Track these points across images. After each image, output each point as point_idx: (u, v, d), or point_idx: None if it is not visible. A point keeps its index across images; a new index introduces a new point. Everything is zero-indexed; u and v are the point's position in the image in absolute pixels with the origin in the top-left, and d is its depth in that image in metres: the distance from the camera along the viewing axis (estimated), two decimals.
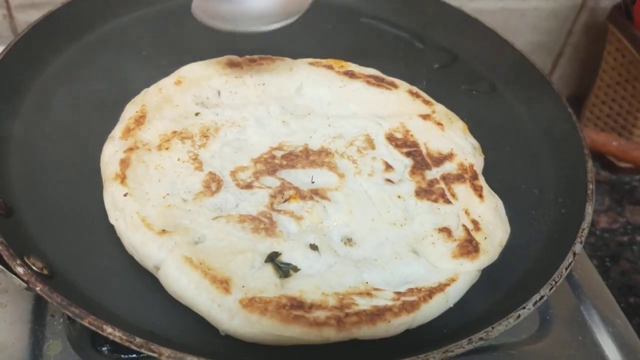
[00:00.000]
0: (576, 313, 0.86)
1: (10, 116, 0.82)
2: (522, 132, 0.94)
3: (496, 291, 0.74)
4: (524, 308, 0.66)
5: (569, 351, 0.81)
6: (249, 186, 0.80)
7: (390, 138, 0.90)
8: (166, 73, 0.92)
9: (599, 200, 1.42)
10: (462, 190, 0.83)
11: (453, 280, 0.72)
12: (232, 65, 0.95)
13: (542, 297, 0.68)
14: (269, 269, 0.70)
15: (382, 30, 1.09)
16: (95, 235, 0.73)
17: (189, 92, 0.90)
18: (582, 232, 0.74)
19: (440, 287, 0.71)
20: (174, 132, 0.84)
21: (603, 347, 0.82)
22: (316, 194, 0.80)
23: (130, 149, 0.80)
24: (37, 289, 0.61)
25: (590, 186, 0.80)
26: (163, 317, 0.66)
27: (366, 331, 0.66)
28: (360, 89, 0.96)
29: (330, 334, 0.65)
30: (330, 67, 0.98)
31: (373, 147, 0.88)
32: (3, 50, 0.85)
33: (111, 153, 0.80)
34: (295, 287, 0.69)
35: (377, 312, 0.67)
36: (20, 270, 0.62)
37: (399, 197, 0.82)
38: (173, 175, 0.79)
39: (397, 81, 0.98)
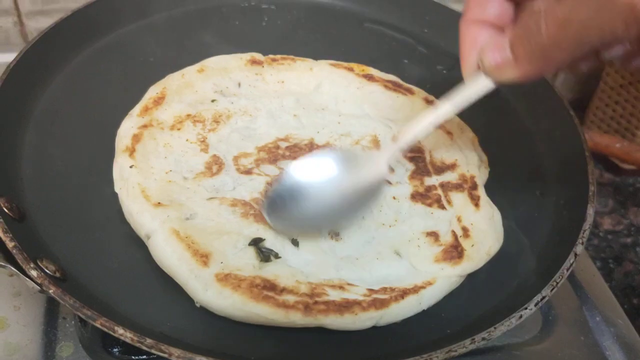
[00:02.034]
0: (578, 314, 0.87)
1: (22, 122, 0.83)
2: (523, 133, 0.95)
3: (498, 292, 0.74)
4: (526, 308, 0.67)
5: (571, 351, 0.82)
6: (248, 172, 0.83)
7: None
8: None
9: (602, 202, 1.43)
10: (459, 198, 0.83)
11: (430, 283, 0.73)
12: (254, 62, 0.99)
13: (543, 298, 0.69)
14: (251, 251, 0.73)
15: (385, 35, 1.10)
16: (106, 239, 0.74)
17: (210, 80, 0.95)
18: (583, 234, 0.75)
19: (415, 289, 0.72)
20: (188, 115, 0.88)
21: (605, 348, 0.83)
22: None
23: (145, 126, 0.84)
24: (51, 291, 0.63)
25: (592, 188, 0.80)
26: (173, 319, 0.67)
27: (332, 320, 0.67)
28: (377, 92, 0.98)
29: (296, 318, 0.67)
30: (350, 70, 1.00)
31: (378, 148, 0.89)
32: (15, 57, 0.86)
33: (127, 128, 0.85)
34: (271, 271, 0.71)
35: (346, 304, 0.68)
36: (34, 273, 0.64)
37: (394, 198, 0.83)
38: (179, 154, 0.83)
39: (414, 88, 0.99)
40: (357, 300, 0.69)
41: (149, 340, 0.60)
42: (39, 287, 0.64)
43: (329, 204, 0.77)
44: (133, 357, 0.74)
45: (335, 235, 0.77)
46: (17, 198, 0.74)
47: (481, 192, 0.85)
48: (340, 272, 0.73)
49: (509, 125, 0.96)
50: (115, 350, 0.75)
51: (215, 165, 0.83)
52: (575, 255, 0.73)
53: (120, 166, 0.80)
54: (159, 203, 0.75)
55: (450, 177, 0.86)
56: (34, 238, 0.71)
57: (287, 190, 0.77)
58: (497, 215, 0.82)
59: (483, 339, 0.65)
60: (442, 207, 0.82)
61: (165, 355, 0.60)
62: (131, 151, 0.81)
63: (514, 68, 0.65)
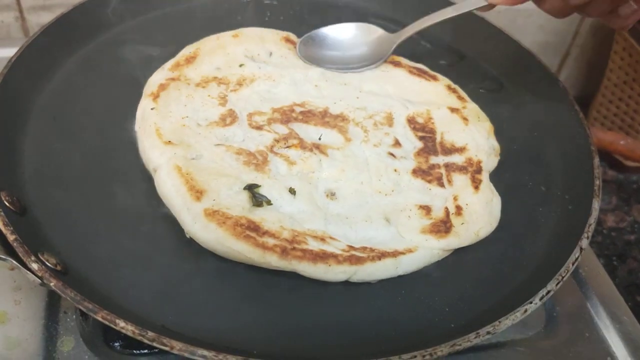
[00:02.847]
0: (583, 310, 0.87)
1: (23, 116, 0.83)
2: (529, 129, 0.95)
3: (503, 287, 0.74)
4: (531, 302, 0.67)
5: (575, 348, 0.82)
6: (259, 128, 0.87)
7: (411, 120, 0.92)
8: None
9: (606, 200, 1.42)
10: (460, 179, 0.85)
11: (410, 251, 0.75)
12: (287, 41, 1.03)
13: (548, 292, 0.68)
14: (244, 195, 0.76)
15: (389, 30, 1.10)
16: (107, 233, 0.74)
17: (243, 46, 1.00)
18: (588, 228, 0.75)
19: (394, 254, 0.74)
20: (215, 77, 0.93)
21: (609, 344, 0.83)
22: (317, 148, 0.85)
23: (173, 79, 0.90)
24: (52, 284, 0.62)
25: (597, 182, 0.80)
26: (174, 312, 0.67)
27: (305, 267, 0.70)
28: (401, 76, 1.00)
29: (272, 259, 0.70)
30: None
31: (391, 125, 0.91)
32: (16, 52, 0.86)
33: (156, 79, 0.90)
34: (259, 214, 0.75)
35: (322, 254, 0.71)
36: (34, 266, 0.63)
37: (396, 170, 0.84)
38: (198, 104, 0.88)
39: (439, 76, 1.01)
40: (335, 253, 0.72)
41: (150, 334, 0.60)
42: (39, 280, 0.64)
43: (343, 54, 0.99)
44: (134, 351, 0.74)
45: (331, 195, 0.80)
46: (18, 192, 0.74)
47: (484, 176, 0.86)
48: (328, 226, 0.76)
49: (514, 120, 0.96)
50: (116, 344, 0.74)
51: (229, 118, 0.87)
52: (581, 249, 0.73)
53: (143, 108, 0.86)
54: (170, 141, 0.80)
55: (456, 159, 0.87)
56: (35, 231, 0.71)
57: (318, 36, 0.99)
58: (496, 201, 0.83)
59: (488, 332, 0.64)
60: (441, 185, 0.84)
61: (167, 349, 0.59)
62: (155, 96, 0.86)
63: None
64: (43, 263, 0.65)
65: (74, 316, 0.76)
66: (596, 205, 0.78)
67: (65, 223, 0.73)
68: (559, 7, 0.77)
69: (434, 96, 0.97)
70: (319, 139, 0.87)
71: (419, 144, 0.89)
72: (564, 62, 1.58)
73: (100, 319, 0.61)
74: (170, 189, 0.75)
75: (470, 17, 1.08)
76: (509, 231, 0.81)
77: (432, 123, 0.92)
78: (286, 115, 0.89)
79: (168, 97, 0.87)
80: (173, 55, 0.96)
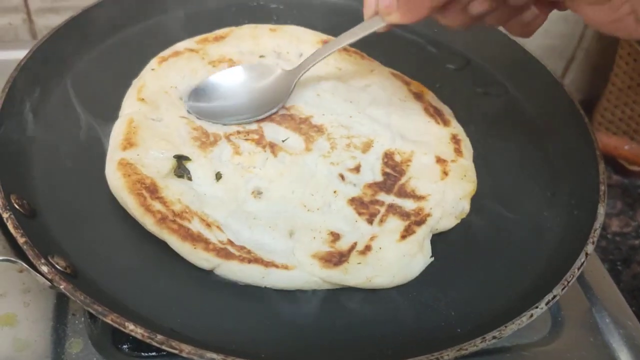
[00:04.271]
0: (587, 315, 0.87)
1: (32, 120, 0.84)
2: (534, 133, 0.95)
3: (509, 291, 0.74)
4: (537, 307, 0.67)
5: (580, 352, 0.82)
6: None
7: (388, 155, 0.86)
8: None
9: (610, 204, 1.42)
10: (394, 223, 0.78)
11: (286, 268, 0.71)
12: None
13: (554, 297, 0.68)
14: (170, 162, 0.79)
15: (395, 35, 1.10)
16: (116, 235, 0.75)
17: (276, 41, 1.00)
18: (594, 233, 0.75)
19: (267, 264, 0.71)
20: (231, 59, 0.95)
21: (614, 349, 0.82)
22: (271, 147, 0.84)
23: (192, 50, 0.95)
24: (61, 287, 0.63)
25: (602, 187, 0.80)
26: (183, 315, 0.67)
27: (173, 241, 0.71)
28: (414, 110, 0.94)
29: (148, 222, 0.72)
30: (407, 83, 0.98)
31: (365, 151, 0.86)
32: (26, 55, 0.87)
33: (176, 46, 0.96)
34: (169, 183, 0.76)
35: (196, 237, 0.71)
36: (44, 269, 0.64)
37: (335, 192, 0.80)
38: (195, 80, 0.91)
39: (453, 122, 0.94)
40: (209, 240, 0.71)
41: (159, 337, 0.60)
42: (49, 283, 0.64)
43: (239, 101, 0.88)
44: (142, 353, 0.74)
45: (258, 193, 0.79)
46: (28, 195, 0.74)
47: (422, 231, 0.77)
48: (228, 218, 0.75)
49: (519, 125, 0.96)
50: (124, 346, 0.74)
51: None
52: (586, 254, 0.73)
53: (148, 66, 0.91)
54: (143, 99, 0.85)
55: (407, 204, 0.80)
56: (45, 234, 0.71)
57: (208, 86, 0.89)
58: (420, 259, 0.75)
59: (494, 337, 0.64)
60: (370, 222, 0.77)
61: (176, 352, 0.60)
62: (162, 60, 0.92)
63: (397, 12, 0.76)
64: (53, 266, 0.65)
65: (83, 318, 0.76)
66: (602, 210, 0.78)
67: (75, 226, 0.74)
68: (460, 20, 0.73)
69: (432, 140, 0.89)
70: (283, 141, 0.85)
71: (379, 178, 0.83)
72: (569, 66, 1.58)
73: (109, 321, 0.61)
74: (114, 137, 0.81)
75: None
76: (515, 236, 0.81)
77: (408, 166, 0.85)
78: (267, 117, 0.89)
79: (175, 64, 0.91)
80: None
